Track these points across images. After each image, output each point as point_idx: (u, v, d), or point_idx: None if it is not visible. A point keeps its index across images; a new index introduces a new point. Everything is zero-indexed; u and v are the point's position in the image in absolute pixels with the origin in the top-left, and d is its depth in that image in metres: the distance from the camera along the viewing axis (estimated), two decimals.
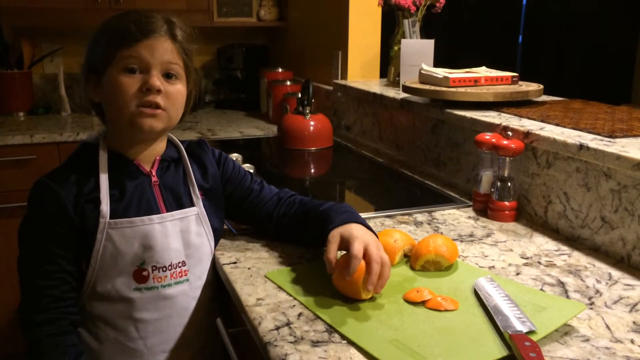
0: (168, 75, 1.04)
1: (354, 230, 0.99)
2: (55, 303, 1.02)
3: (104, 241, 1.02)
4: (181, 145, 1.16)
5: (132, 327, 1.07)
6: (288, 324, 0.91)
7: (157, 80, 1.01)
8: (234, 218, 1.26)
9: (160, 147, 1.12)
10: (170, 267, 1.07)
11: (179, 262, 1.08)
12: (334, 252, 0.98)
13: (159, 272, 1.06)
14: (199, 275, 1.12)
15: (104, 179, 1.04)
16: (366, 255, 0.95)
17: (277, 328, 0.90)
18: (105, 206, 1.03)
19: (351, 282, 0.95)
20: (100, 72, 1.03)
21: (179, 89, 1.05)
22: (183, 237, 1.09)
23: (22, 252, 1.04)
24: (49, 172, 1.05)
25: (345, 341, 0.86)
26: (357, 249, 0.94)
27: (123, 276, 1.04)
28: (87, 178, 1.04)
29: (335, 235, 1.00)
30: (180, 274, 1.08)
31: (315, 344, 0.86)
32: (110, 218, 1.03)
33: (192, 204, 1.11)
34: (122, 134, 1.07)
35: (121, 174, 1.06)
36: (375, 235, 1.02)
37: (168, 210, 1.08)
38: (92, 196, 1.03)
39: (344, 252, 0.99)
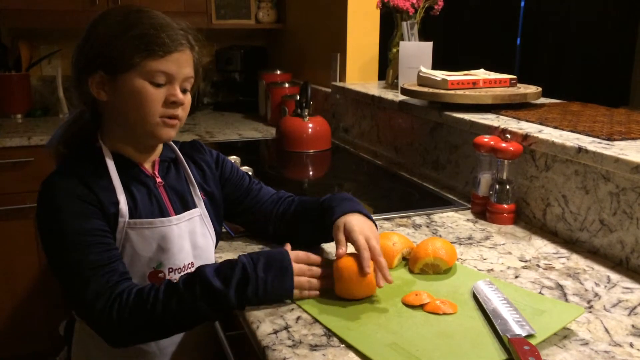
0: (184, 89, 1.05)
1: (355, 221, 1.02)
2: (119, 277, 0.95)
3: (123, 241, 1.00)
4: (175, 145, 1.16)
5: None
6: (286, 327, 0.91)
7: (180, 94, 1.02)
8: (234, 218, 1.25)
9: (158, 148, 1.12)
10: (183, 269, 1.07)
11: (189, 264, 1.08)
12: (342, 236, 1.01)
13: (174, 273, 1.05)
14: None
15: (116, 179, 1.02)
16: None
17: (276, 332, 0.89)
18: (124, 205, 1.00)
19: (343, 283, 0.97)
20: (112, 72, 1.00)
21: (189, 99, 1.07)
22: (191, 238, 1.09)
23: (57, 249, 0.96)
24: (54, 172, 1.02)
25: (343, 345, 0.86)
26: (362, 243, 0.98)
27: (138, 277, 1.02)
28: (96, 177, 1.01)
29: (339, 226, 1.03)
30: None
31: (313, 347, 0.85)
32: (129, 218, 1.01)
33: (195, 205, 1.11)
34: (129, 138, 1.05)
35: (127, 176, 1.04)
36: (374, 223, 1.06)
37: (175, 211, 1.07)
38: (106, 193, 1.00)
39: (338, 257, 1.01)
